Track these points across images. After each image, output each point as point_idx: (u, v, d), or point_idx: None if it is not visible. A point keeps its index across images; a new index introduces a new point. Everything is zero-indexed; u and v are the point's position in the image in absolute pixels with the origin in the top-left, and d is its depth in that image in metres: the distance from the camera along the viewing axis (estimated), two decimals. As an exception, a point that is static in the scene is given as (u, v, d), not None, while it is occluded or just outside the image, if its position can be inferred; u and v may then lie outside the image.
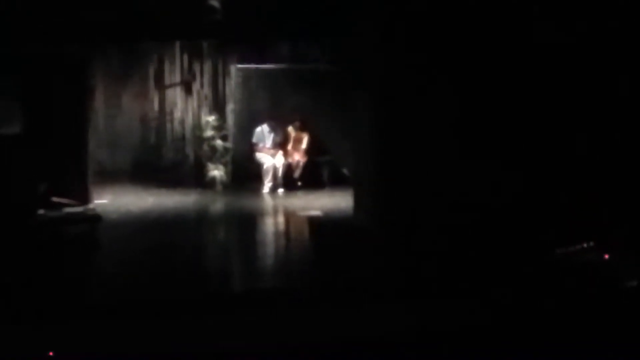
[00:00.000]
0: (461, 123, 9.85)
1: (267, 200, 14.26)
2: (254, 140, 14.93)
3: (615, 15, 9.23)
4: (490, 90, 9.71)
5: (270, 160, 14.72)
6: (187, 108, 15.42)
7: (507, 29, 9.56)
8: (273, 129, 14.96)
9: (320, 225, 12.14)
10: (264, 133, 14.94)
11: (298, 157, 14.91)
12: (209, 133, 15.10)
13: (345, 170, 14.73)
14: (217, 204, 14.25)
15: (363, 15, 10.75)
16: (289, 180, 14.79)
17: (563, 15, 9.35)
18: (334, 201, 13.42)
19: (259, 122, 15.04)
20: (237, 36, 12.80)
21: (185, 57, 15.29)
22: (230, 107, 15.42)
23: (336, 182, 14.84)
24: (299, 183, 14.89)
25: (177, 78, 15.41)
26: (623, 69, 9.32)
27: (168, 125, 15.51)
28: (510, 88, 9.65)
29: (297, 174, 14.93)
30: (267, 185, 14.65)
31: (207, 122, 15.17)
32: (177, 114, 15.47)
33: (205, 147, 15.08)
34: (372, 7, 10.51)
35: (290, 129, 15.07)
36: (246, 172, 15.03)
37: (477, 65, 9.67)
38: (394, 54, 10.11)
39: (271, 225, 12.84)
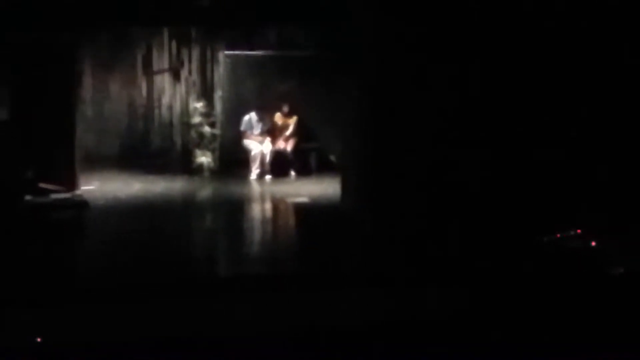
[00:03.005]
0: (452, 111, 9.85)
1: (255, 187, 14.25)
2: (242, 128, 14.90)
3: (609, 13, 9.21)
4: (483, 79, 9.70)
5: (258, 146, 14.71)
6: (175, 94, 15.39)
7: (505, 18, 9.54)
8: (261, 116, 14.94)
9: (307, 212, 12.16)
10: (251, 121, 14.92)
11: (285, 144, 14.90)
12: (196, 119, 15.09)
13: (332, 157, 14.74)
14: (205, 191, 14.23)
15: None
16: (278, 168, 14.78)
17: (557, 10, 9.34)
18: (321, 188, 13.44)
19: (247, 110, 15.02)
20: (226, 20, 12.74)
21: (174, 43, 15.25)
22: (218, 94, 15.38)
23: (323, 168, 14.87)
24: (293, 173, 14.87)
25: (165, 64, 15.37)
26: (612, 61, 9.32)
27: (156, 112, 15.47)
28: (503, 76, 9.64)
29: (290, 164, 14.90)
30: (254, 172, 14.64)
31: (195, 108, 15.16)
32: (165, 101, 15.44)
33: (193, 133, 15.08)
34: None
35: (277, 115, 15.07)
36: (234, 159, 15.02)
37: (472, 53, 9.65)
38: (389, 38, 10.08)
39: (258, 212, 12.83)
